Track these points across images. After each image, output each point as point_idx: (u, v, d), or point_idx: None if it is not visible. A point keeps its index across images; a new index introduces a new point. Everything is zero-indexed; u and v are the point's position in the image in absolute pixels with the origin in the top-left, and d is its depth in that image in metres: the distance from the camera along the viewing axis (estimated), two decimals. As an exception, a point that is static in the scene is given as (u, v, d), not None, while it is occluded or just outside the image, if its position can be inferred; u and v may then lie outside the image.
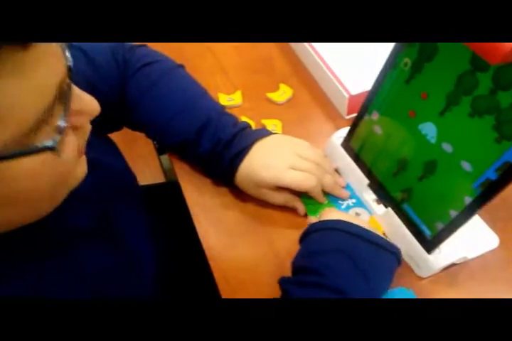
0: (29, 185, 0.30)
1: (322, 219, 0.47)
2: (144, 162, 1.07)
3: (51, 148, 0.28)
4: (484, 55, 0.33)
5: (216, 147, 0.52)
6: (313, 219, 0.51)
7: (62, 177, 0.33)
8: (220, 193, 0.56)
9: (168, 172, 1.06)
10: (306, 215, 0.53)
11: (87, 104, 0.33)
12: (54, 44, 0.29)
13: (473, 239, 0.48)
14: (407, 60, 0.42)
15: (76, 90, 0.32)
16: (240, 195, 0.55)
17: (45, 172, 0.30)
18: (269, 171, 0.51)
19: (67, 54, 0.30)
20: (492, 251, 0.48)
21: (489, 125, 0.36)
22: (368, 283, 0.41)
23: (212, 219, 0.55)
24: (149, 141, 1.08)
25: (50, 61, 0.28)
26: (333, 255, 0.42)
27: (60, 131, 0.29)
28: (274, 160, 0.51)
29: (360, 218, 0.51)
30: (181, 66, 0.59)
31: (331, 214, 0.47)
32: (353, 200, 0.54)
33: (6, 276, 0.34)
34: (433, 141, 0.42)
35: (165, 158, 1.09)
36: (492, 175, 0.37)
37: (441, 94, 0.40)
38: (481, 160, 0.38)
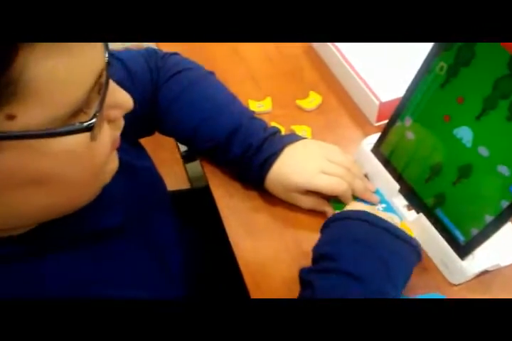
0: (66, 166, 0.31)
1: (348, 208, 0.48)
2: (168, 169, 1.09)
3: (87, 129, 0.29)
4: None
5: (246, 152, 0.53)
6: None
7: (97, 166, 0.34)
8: (250, 197, 0.57)
9: (194, 180, 1.07)
10: (335, 220, 0.54)
11: (121, 98, 0.35)
12: None
13: (506, 246, 0.47)
14: (442, 64, 0.43)
15: (112, 84, 0.33)
16: (270, 198, 0.56)
17: (81, 156, 0.31)
18: (299, 175, 0.51)
19: (106, 52, 0.31)
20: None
21: (528, 128, 0.37)
22: (385, 268, 0.41)
23: (243, 222, 0.55)
24: (173, 148, 1.10)
25: (94, 45, 0.29)
26: (349, 242, 0.43)
27: (95, 116, 0.30)
28: (305, 164, 0.52)
29: (384, 213, 0.50)
30: (212, 73, 0.61)
31: (354, 207, 0.48)
32: (383, 205, 0.54)
33: (39, 267, 0.35)
34: (469, 145, 0.42)
35: (191, 166, 1.10)
36: (530, 178, 0.37)
37: (477, 98, 0.40)
38: (518, 163, 0.38)
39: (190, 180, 1.07)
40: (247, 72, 0.70)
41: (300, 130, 0.62)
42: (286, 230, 0.54)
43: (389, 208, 0.53)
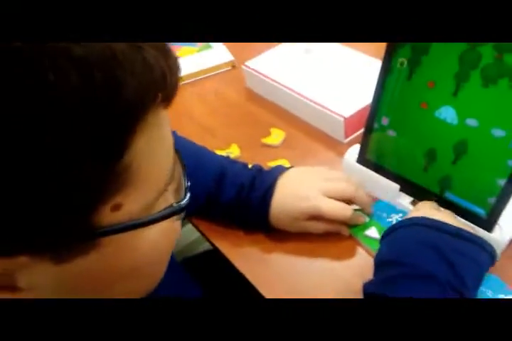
0: (155, 252, 0.28)
1: (410, 215, 0.46)
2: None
3: (183, 208, 0.28)
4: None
5: (241, 192, 0.52)
6: (372, 232, 0.51)
7: (172, 247, 0.31)
8: (258, 240, 0.54)
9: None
10: (351, 235, 0.53)
11: None
12: None
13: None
14: (402, 59, 0.46)
15: None
16: (278, 236, 0.54)
17: (169, 237, 0.29)
18: (305, 201, 0.50)
19: None
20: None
21: (506, 87, 0.40)
22: (452, 268, 0.40)
23: (262, 267, 0.52)
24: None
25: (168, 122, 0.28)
26: (413, 245, 0.42)
27: (187, 191, 0.29)
28: (305, 189, 0.51)
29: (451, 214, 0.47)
30: (173, 131, 0.60)
31: (419, 211, 0.47)
32: (400, 215, 0.53)
33: None
34: (455, 122, 0.45)
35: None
36: (527, 130, 0.40)
37: (447, 77, 0.43)
38: (510, 121, 0.41)
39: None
40: (201, 128, 0.71)
41: (278, 164, 0.62)
42: (312, 262, 0.52)
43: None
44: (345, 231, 0.52)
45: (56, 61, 0.19)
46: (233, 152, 0.65)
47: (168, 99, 0.25)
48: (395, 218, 0.53)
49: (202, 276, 0.59)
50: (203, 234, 0.57)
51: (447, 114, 0.45)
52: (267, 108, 0.72)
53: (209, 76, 0.80)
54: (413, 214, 0.46)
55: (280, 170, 0.54)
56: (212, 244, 0.55)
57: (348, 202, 0.52)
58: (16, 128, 0.18)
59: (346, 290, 0.48)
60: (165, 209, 0.27)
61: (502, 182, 0.43)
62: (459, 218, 0.47)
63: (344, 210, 0.51)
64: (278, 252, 0.53)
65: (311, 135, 0.66)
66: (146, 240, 0.26)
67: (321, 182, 0.52)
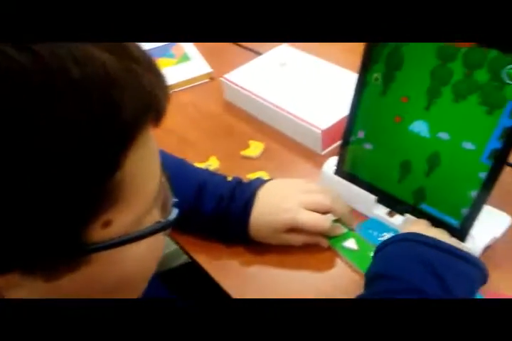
0: (141, 266, 0.28)
1: (402, 232, 0.47)
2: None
3: (172, 222, 0.28)
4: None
5: (220, 204, 0.52)
6: (350, 243, 0.51)
7: (157, 262, 0.31)
8: (236, 253, 0.54)
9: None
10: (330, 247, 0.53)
11: None
12: None
13: (489, 222, 0.50)
14: (376, 75, 0.47)
15: None
16: (257, 249, 0.54)
17: (149, 255, 0.29)
18: (284, 213, 0.51)
19: None
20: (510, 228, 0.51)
21: (475, 102, 0.41)
22: (442, 283, 0.40)
23: (240, 279, 0.52)
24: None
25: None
26: (403, 260, 0.42)
27: (174, 205, 0.29)
28: (284, 201, 0.52)
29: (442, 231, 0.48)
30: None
31: (412, 228, 0.47)
32: (391, 233, 0.53)
33: None
34: (428, 135, 0.46)
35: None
36: (496, 144, 0.41)
37: (420, 92, 0.45)
38: (479, 135, 0.42)
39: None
40: (181, 140, 0.71)
41: (257, 176, 0.62)
42: (292, 274, 0.52)
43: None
44: (324, 242, 0.53)
45: (55, 82, 0.19)
46: (212, 164, 0.65)
47: (159, 117, 0.26)
48: (386, 237, 0.53)
49: (179, 290, 0.59)
50: (181, 247, 0.57)
51: (420, 127, 0.46)
52: (246, 120, 0.72)
53: (187, 88, 0.80)
54: (405, 231, 0.46)
55: (260, 182, 0.54)
56: (191, 257, 0.55)
57: (325, 213, 0.53)
58: (12, 146, 0.19)
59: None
60: (154, 224, 0.27)
61: (474, 193, 0.45)
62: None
63: (323, 222, 0.51)
64: (258, 265, 0.53)
65: (289, 147, 0.67)
66: (133, 255, 0.27)
67: (299, 195, 0.53)
